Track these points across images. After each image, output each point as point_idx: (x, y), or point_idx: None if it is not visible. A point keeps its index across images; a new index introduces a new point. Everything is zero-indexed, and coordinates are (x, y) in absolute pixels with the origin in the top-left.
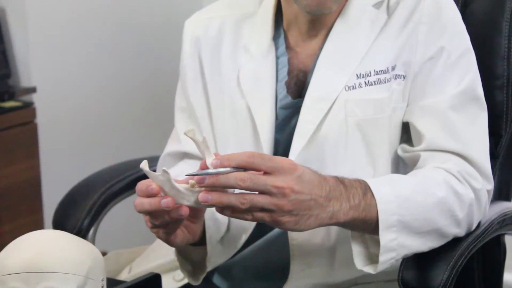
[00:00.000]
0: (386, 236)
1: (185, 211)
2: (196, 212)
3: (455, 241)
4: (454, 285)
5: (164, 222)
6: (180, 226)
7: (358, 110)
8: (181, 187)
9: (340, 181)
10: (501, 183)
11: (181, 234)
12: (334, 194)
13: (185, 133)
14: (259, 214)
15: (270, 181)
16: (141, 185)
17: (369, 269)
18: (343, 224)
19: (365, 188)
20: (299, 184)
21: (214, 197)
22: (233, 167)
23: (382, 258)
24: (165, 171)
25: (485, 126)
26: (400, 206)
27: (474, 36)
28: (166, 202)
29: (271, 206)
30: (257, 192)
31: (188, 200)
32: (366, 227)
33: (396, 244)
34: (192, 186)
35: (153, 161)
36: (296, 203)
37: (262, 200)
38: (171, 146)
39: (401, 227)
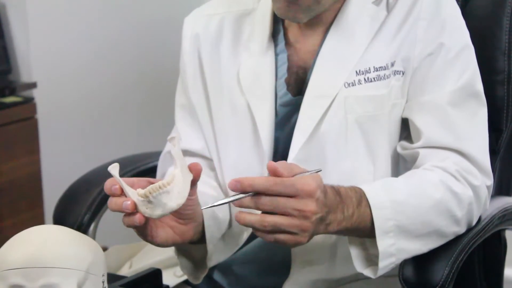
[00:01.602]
0: (384, 242)
1: (139, 220)
2: (183, 214)
3: (456, 237)
4: (455, 280)
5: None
6: (161, 227)
7: (358, 106)
8: (134, 195)
9: (337, 191)
10: (501, 178)
11: (163, 235)
12: (331, 208)
13: (168, 140)
14: (278, 238)
15: (290, 204)
16: (107, 183)
17: (368, 272)
18: (335, 233)
19: (360, 197)
20: (317, 206)
21: (238, 215)
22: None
23: (382, 264)
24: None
25: (484, 122)
26: (396, 211)
27: (474, 31)
28: (126, 205)
29: (293, 228)
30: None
31: (140, 209)
32: (361, 234)
33: (395, 249)
34: (142, 196)
35: (153, 157)
36: (315, 223)
37: (284, 222)
38: None
39: (398, 232)
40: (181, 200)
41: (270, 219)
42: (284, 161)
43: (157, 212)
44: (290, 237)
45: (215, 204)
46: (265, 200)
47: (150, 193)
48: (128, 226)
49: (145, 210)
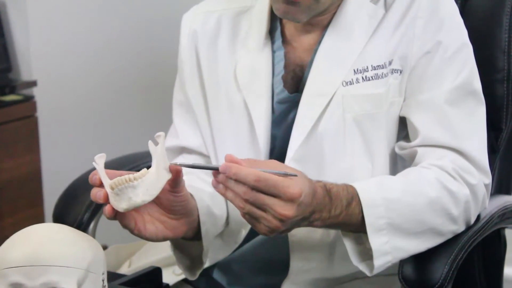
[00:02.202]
0: (377, 240)
1: (108, 211)
2: (172, 209)
3: (455, 235)
4: (455, 278)
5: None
6: (150, 221)
7: (356, 105)
8: (107, 185)
9: (327, 191)
10: (501, 176)
11: (153, 230)
12: (318, 208)
13: (155, 136)
14: (250, 220)
15: (269, 202)
16: (92, 173)
17: (364, 268)
18: (320, 227)
19: (351, 198)
20: (297, 211)
21: (221, 188)
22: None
23: (377, 262)
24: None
25: (482, 120)
26: (389, 209)
27: (474, 30)
28: (98, 195)
29: (264, 221)
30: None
31: (110, 200)
32: (351, 229)
33: (389, 247)
34: (110, 187)
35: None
36: (288, 225)
37: (260, 214)
38: (169, 141)
39: (391, 230)
40: (147, 197)
41: (249, 207)
42: (249, 159)
43: (122, 205)
44: (259, 225)
45: (183, 163)
46: (248, 193)
47: (116, 185)
48: (107, 218)
49: (113, 202)
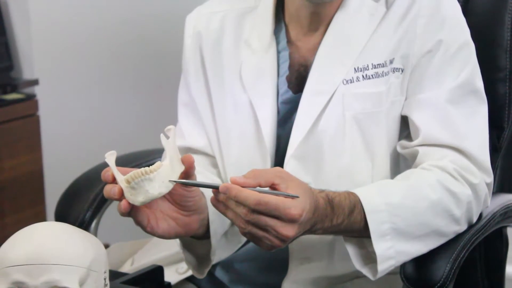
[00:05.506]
0: (381, 245)
1: (123, 206)
2: (184, 206)
3: (457, 234)
4: (457, 277)
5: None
6: (162, 218)
7: (356, 104)
8: (121, 180)
9: (329, 201)
10: (503, 175)
11: (165, 227)
12: (319, 219)
13: (166, 130)
14: (251, 238)
15: (270, 223)
16: (103, 170)
17: (367, 272)
18: (321, 234)
19: (353, 206)
20: (298, 229)
21: (222, 207)
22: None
23: (381, 267)
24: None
25: (484, 119)
26: (392, 214)
27: (476, 28)
28: (113, 191)
29: (266, 240)
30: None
31: (125, 195)
32: (353, 235)
33: (393, 251)
34: (125, 181)
35: (155, 154)
36: (289, 242)
37: (261, 234)
38: None
39: (395, 235)
40: (164, 189)
41: (250, 227)
42: (254, 170)
43: (139, 198)
44: (260, 243)
45: (187, 181)
46: (249, 215)
47: (132, 179)
48: (121, 214)
49: (129, 196)
